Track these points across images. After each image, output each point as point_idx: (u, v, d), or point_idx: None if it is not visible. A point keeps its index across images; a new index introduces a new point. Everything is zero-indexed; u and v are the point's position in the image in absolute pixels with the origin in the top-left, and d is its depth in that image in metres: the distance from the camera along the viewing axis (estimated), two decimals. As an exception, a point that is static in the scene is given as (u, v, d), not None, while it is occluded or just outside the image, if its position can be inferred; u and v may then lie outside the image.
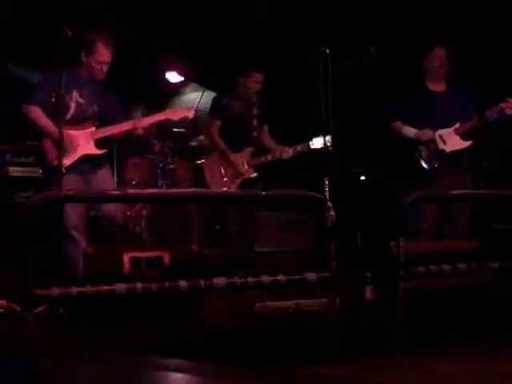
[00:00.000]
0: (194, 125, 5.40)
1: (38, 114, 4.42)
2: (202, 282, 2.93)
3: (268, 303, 4.00)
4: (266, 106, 5.61)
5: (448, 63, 5.09)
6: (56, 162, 4.15)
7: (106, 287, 2.80)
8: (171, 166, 6.22)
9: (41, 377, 2.54)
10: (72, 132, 4.44)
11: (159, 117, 4.75)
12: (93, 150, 4.53)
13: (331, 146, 4.63)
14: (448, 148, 4.95)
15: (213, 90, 6.97)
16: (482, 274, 3.82)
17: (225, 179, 5.45)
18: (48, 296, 2.71)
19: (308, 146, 5.27)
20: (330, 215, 3.05)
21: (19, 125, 4.71)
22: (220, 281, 2.95)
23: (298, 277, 3.07)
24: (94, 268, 3.77)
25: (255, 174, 5.45)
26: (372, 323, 3.60)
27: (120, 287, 2.80)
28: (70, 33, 3.97)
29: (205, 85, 7.53)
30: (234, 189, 5.31)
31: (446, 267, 3.28)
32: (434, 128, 4.98)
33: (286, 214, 5.68)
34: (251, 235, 5.47)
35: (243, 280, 2.98)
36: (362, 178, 6.84)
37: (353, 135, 6.12)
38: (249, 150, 5.47)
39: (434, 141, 4.97)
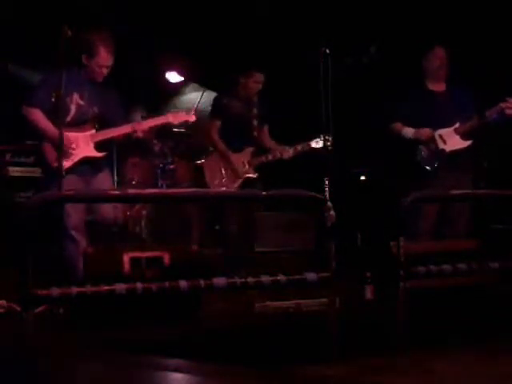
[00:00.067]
0: (194, 125, 5.39)
1: (38, 116, 4.42)
2: (202, 282, 2.93)
3: (268, 303, 4.00)
4: (266, 106, 5.62)
5: (448, 63, 5.09)
6: (56, 164, 4.15)
7: (106, 287, 2.80)
8: (171, 166, 6.22)
9: (41, 377, 2.54)
10: (72, 134, 4.44)
11: (160, 120, 4.75)
12: (93, 153, 4.53)
13: (331, 145, 4.63)
14: (448, 148, 4.95)
15: (213, 90, 6.97)
16: (482, 274, 3.82)
17: (225, 179, 5.45)
18: (48, 296, 2.71)
19: (308, 145, 5.28)
20: (330, 215, 3.05)
21: (19, 125, 4.70)
22: (220, 281, 2.95)
23: (297, 277, 3.07)
24: (94, 268, 3.77)
25: (256, 174, 5.46)
26: (372, 323, 3.60)
27: (120, 287, 2.80)
28: (69, 33, 3.97)
29: (205, 85, 7.54)
30: (234, 189, 5.31)
31: (446, 267, 3.28)
32: (434, 128, 4.98)
33: (285, 214, 5.68)
34: (251, 235, 5.47)
35: (243, 280, 2.98)
36: (362, 178, 6.84)
37: (353, 135, 6.12)
38: (249, 149, 5.47)
39: (433, 140, 4.97)
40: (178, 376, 2.59)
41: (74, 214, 4.38)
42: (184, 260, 3.87)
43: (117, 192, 4.12)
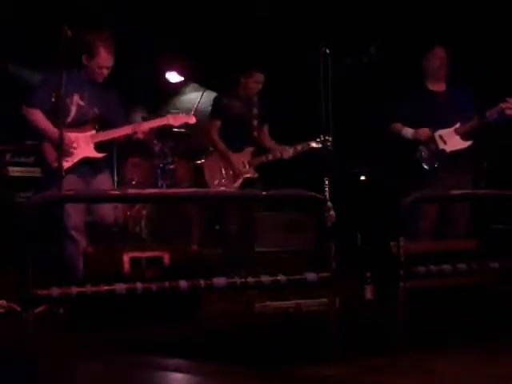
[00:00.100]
0: (194, 125, 5.39)
1: (38, 117, 4.42)
2: (202, 282, 2.93)
3: (268, 303, 4.00)
4: (266, 106, 5.61)
5: (448, 63, 5.09)
6: (56, 164, 4.15)
7: (106, 287, 2.80)
8: (171, 166, 6.22)
9: (41, 377, 2.54)
10: (72, 134, 4.44)
11: (160, 122, 4.75)
12: (93, 154, 4.53)
13: (331, 145, 4.63)
14: (448, 148, 4.95)
15: (213, 90, 6.97)
16: (482, 274, 3.82)
17: (225, 179, 5.45)
18: (48, 296, 2.71)
19: (308, 145, 5.27)
20: (330, 215, 3.05)
21: (19, 125, 4.71)
22: (220, 281, 2.95)
23: (297, 277, 3.07)
24: (94, 268, 3.77)
25: (256, 174, 5.46)
26: (372, 323, 3.60)
27: (120, 287, 2.80)
28: (70, 33, 3.97)
29: (205, 85, 7.54)
30: (234, 189, 5.31)
31: (446, 267, 3.28)
32: (434, 128, 4.98)
33: (286, 214, 5.68)
34: (251, 235, 5.47)
35: (243, 280, 2.98)
36: (362, 178, 6.84)
37: (353, 135, 6.12)
38: (250, 149, 5.47)
39: (432, 140, 4.97)
40: (178, 376, 2.59)
41: (74, 214, 4.38)
42: (184, 260, 3.87)
43: (117, 192, 4.12)
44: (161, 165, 6.16)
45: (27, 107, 4.44)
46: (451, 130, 4.96)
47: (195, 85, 8.26)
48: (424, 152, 4.98)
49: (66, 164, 4.33)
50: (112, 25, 5.58)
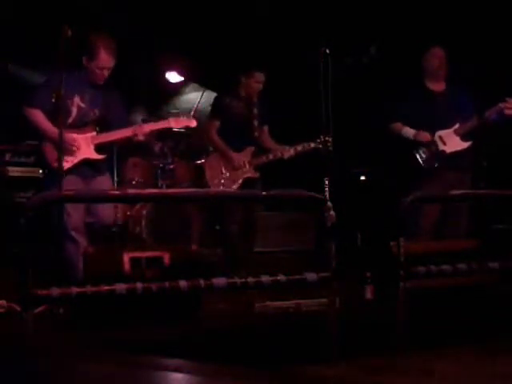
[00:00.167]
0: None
1: (39, 117, 4.42)
2: (201, 282, 2.92)
3: (268, 303, 4.00)
4: (266, 106, 5.61)
5: (447, 63, 5.10)
6: (56, 164, 4.15)
7: (106, 287, 2.80)
8: (171, 166, 6.22)
9: (41, 377, 2.54)
10: (73, 135, 4.44)
11: (161, 125, 4.76)
12: (93, 155, 4.53)
13: (331, 145, 4.63)
14: (448, 149, 4.95)
15: (213, 90, 6.98)
16: (482, 274, 3.82)
17: (225, 179, 5.45)
18: (48, 296, 2.71)
19: (308, 145, 5.27)
20: (330, 215, 3.05)
21: (19, 125, 4.71)
22: (220, 281, 2.95)
23: (297, 277, 3.07)
24: (94, 268, 3.78)
25: (256, 174, 5.46)
26: (372, 323, 3.60)
27: (120, 287, 2.80)
28: (70, 33, 3.97)
29: (205, 85, 7.54)
30: (235, 189, 5.31)
31: (446, 267, 3.28)
32: (434, 128, 4.98)
33: (285, 214, 5.67)
34: (251, 235, 5.46)
35: (243, 280, 2.97)
36: (362, 178, 6.84)
37: (353, 135, 6.12)
38: (250, 149, 5.47)
39: (433, 142, 4.97)
40: (178, 376, 2.59)
41: (74, 214, 4.38)
42: (184, 260, 3.87)
43: (117, 192, 4.12)
44: (161, 165, 6.16)
45: (28, 107, 4.45)
46: (451, 130, 4.97)
47: (195, 85, 8.26)
48: (424, 153, 4.99)
49: (66, 165, 4.33)
50: (112, 25, 5.58)
